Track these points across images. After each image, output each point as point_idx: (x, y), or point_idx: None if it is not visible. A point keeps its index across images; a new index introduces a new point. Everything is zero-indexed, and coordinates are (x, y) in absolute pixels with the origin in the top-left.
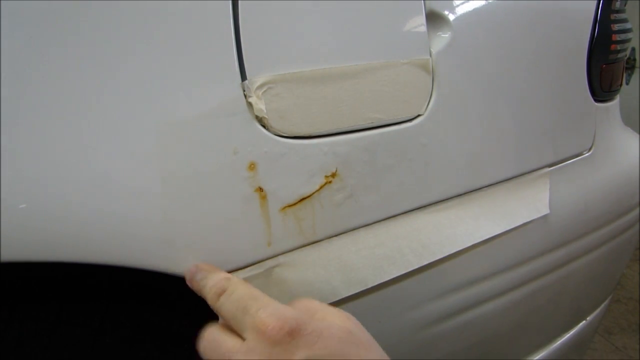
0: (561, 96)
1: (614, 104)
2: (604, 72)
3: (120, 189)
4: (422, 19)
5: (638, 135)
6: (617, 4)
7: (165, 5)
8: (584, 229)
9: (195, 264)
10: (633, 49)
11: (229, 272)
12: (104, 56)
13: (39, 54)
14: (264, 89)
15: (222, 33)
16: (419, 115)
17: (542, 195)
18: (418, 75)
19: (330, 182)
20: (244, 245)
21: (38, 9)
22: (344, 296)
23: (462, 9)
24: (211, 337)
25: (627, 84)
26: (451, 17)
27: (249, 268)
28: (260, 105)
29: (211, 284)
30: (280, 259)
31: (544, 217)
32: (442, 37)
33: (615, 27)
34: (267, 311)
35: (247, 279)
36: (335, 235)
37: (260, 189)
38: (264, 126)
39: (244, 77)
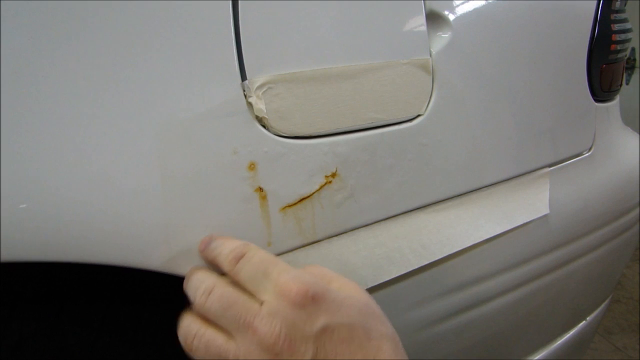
0: (561, 96)
1: (614, 104)
2: (604, 72)
3: (120, 189)
4: (422, 19)
5: (638, 135)
6: (617, 4)
7: (165, 6)
8: (584, 229)
9: (209, 234)
10: (633, 49)
11: None
12: (103, 56)
13: (39, 54)
14: (264, 89)
15: (222, 33)
16: (419, 115)
17: (542, 195)
18: (418, 75)
19: (330, 182)
20: None
21: (38, 9)
22: None
23: (462, 9)
24: (227, 296)
25: (627, 84)
26: (451, 17)
27: None
28: (260, 105)
29: (229, 249)
30: (280, 259)
31: (544, 217)
32: (442, 37)
33: (615, 27)
34: (289, 275)
35: None
36: (335, 235)
37: (260, 189)
38: (264, 126)
39: (244, 77)
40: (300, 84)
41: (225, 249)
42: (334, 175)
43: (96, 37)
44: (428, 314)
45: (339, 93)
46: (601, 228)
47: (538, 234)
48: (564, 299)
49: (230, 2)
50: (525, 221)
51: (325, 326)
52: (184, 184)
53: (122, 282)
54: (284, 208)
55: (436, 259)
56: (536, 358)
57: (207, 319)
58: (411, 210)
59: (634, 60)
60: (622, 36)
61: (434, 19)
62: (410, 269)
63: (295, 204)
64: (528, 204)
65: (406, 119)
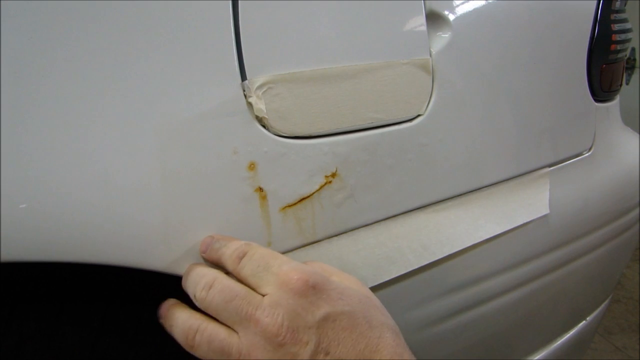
0: (561, 96)
1: (614, 104)
2: (604, 72)
3: (120, 189)
4: (422, 19)
5: (638, 135)
6: (617, 4)
7: (165, 5)
8: (584, 229)
9: (210, 235)
10: (633, 49)
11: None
12: (103, 56)
13: (39, 53)
14: (264, 89)
15: (222, 33)
16: (419, 115)
17: (542, 195)
18: (418, 75)
19: (330, 182)
20: None
21: (38, 9)
22: None
23: (462, 9)
24: (230, 289)
25: (627, 84)
26: (451, 17)
27: None
28: (260, 105)
29: (232, 249)
30: None
31: (544, 217)
32: (442, 37)
33: (615, 27)
34: (290, 266)
35: None
36: (335, 235)
37: (260, 189)
38: (264, 126)
39: (244, 77)
40: (300, 84)
41: (228, 249)
42: (334, 175)
43: (96, 37)
44: (428, 314)
45: (339, 93)
46: (601, 228)
47: (538, 234)
48: (564, 299)
49: (230, 2)
50: (525, 221)
51: (327, 314)
52: (184, 183)
53: (122, 282)
54: (284, 208)
55: (436, 259)
56: (536, 358)
57: (206, 315)
58: (411, 210)
59: (634, 60)
60: (622, 36)
61: (434, 19)
62: (410, 269)
63: (295, 204)
64: (528, 204)
65: (406, 119)
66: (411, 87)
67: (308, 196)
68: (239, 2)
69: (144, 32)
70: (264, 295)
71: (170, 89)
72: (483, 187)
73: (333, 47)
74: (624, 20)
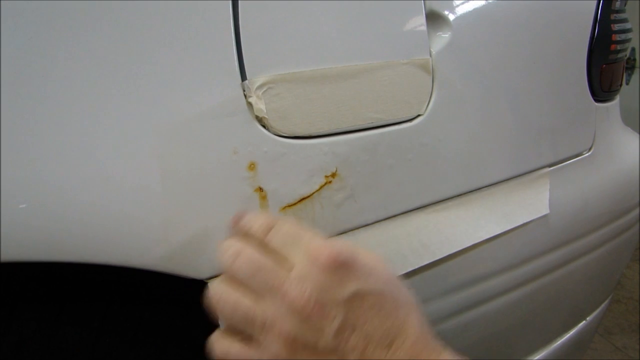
0: (561, 96)
1: (614, 104)
2: (604, 72)
3: (120, 189)
4: (422, 19)
5: (638, 135)
6: (617, 4)
7: (165, 6)
8: (584, 229)
9: (239, 211)
10: (633, 49)
11: None
12: (103, 56)
13: (39, 53)
14: (264, 89)
15: (222, 33)
16: (419, 115)
17: (542, 195)
18: (418, 75)
19: (330, 182)
20: None
21: (38, 9)
22: None
23: (462, 9)
24: (257, 261)
25: (627, 84)
26: (451, 17)
27: None
28: (260, 105)
29: (261, 221)
30: None
31: (544, 217)
32: (442, 37)
33: (615, 27)
34: (318, 242)
35: None
36: (335, 235)
37: (260, 189)
38: (264, 126)
39: (244, 77)
40: (300, 84)
41: (256, 222)
42: (334, 175)
43: (96, 37)
44: (428, 314)
45: (339, 93)
46: (601, 228)
47: (538, 234)
48: (564, 299)
49: (230, 2)
50: (525, 221)
51: (355, 292)
52: (184, 183)
53: (122, 282)
54: (284, 208)
55: (436, 259)
56: (536, 358)
57: (236, 284)
58: (411, 210)
59: (634, 60)
60: (622, 36)
61: (434, 19)
62: (410, 269)
63: (295, 204)
64: (528, 204)
65: (406, 119)
66: (411, 87)
67: (308, 196)
68: (239, 2)
69: (144, 32)
70: (291, 268)
71: (170, 89)
72: (483, 187)
73: (333, 47)
74: (624, 20)
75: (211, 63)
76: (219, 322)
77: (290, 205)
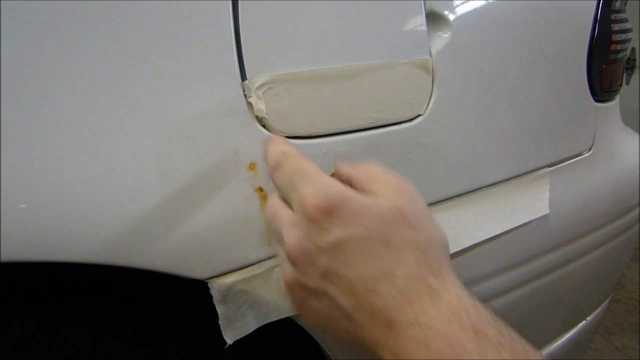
0: (561, 96)
1: (614, 104)
2: (604, 72)
3: (120, 189)
4: (422, 19)
5: (638, 135)
6: (617, 4)
7: (165, 5)
8: (584, 229)
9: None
10: (633, 49)
11: (230, 272)
12: (103, 56)
13: (39, 53)
14: (264, 89)
15: (222, 33)
16: (419, 115)
17: (542, 195)
18: (418, 75)
19: None
20: (243, 245)
21: (38, 9)
22: None
23: (462, 9)
24: (271, 207)
25: (627, 84)
26: (451, 17)
27: (249, 268)
28: (260, 105)
29: (270, 157)
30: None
31: (544, 217)
32: (442, 37)
33: (615, 27)
34: (308, 187)
35: (247, 279)
36: None
37: (260, 189)
38: (264, 126)
39: (244, 77)
40: (300, 84)
41: (268, 154)
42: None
43: (96, 37)
44: None
45: (339, 93)
46: (601, 228)
47: (538, 234)
48: (564, 299)
49: (230, 2)
50: (525, 221)
51: (337, 240)
52: (183, 183)
53: (122, 282)
54: None
55: None
56: None
57: None
58: None
59: (634, 60)
60: (622, 36)
61: (434, 19)
62: None
63: None
64: (528, 204)
65: (406, 119)
66: (411, 87)
67: None
68: (239, 2)
69: (144, 32)
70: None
71: (170, 89)
72: (483, 187)
73: (333, 47)
74: (624, 20)
75: (211, 63)
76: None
77: None
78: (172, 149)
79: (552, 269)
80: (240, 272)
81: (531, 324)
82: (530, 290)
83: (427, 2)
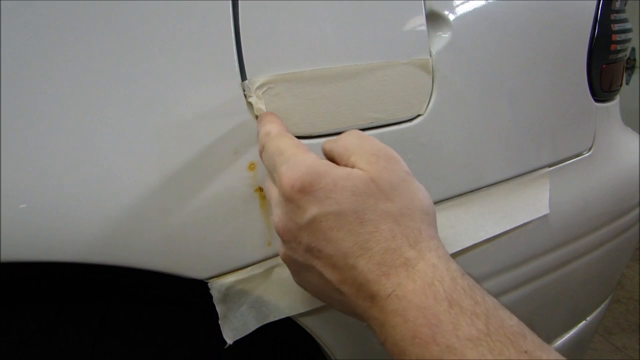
0: (561, 96)
1: (614, 104)
2: (604, 72)
3: (119, 189)
4: (422, 19)
5: (638, 135)
6: (617, 4)
7: (165, 5)
8: (584, 229)
9: (264, 113)
10: (633, 49)
11: (230, 272)
12: (103, 56)
13: (39, 53)
14: (264, 89)
15: (222, 33)
16: (419, 115)
17: (542, 195)
18: (418, 75)
19: None
20: (243, 245)
21: (38, 9)
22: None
23: (462, 9)
24: (265, 188)
25: (627, 84)
26: (451, 17)
27: (249, 268)
28: (260, 105)
29: (260, 137)
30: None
31: (544, 217)
32: (442, 37)
33: (615, 27)
34: (284, 167)
35: (246, 279)
36: None
37: (260, 189)
38: None
39: (244, 77)
40: (300, 84)
41: (259, 135)
42: None
43: (96, 37)
44: None
45: (339, 93)
46: (601, 228)
47: (538, 234)
48: (564, 299)
49: (230, 2)
50: (525, 221)
51: (313, 217)
52: (183, 183)
53: (122, 282)
54: None
55: None
56: None
57: None
58: None
59: (634, 60)
60: (622, 36)
61: (434, 19)
62: None
63: None
64: (528, 204)
65: (406, 119)
66: (411, 87)
67: None
68: (239, 2)
69: (144, 32)
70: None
71: (170, 89)
72: (483, 187)
73: (333, 47)
74: (624, 20)
75: (211, 63)
76: None
77: None
78: (172, 149)
79: (552, 269)
80: (240, 272)
81: (531, 324)
82: (530, 290)
83: (427, 2)
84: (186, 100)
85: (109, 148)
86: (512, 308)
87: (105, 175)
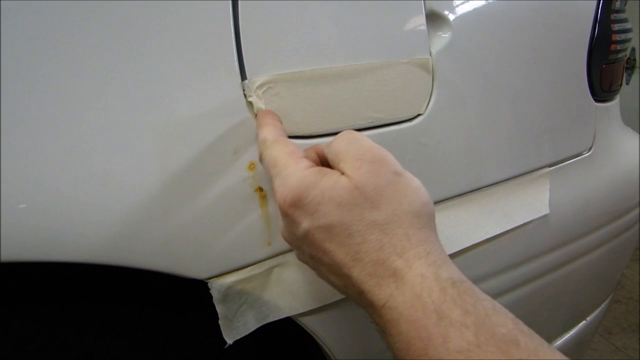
0: (561, 96)
1: (614, 104)
2: (604, 72)
3: (120, 189)
4: (422, 19)
5: (638, 135)
6: (617, 4)
7: (165, 5)
8: (584, 229)
9: (262, 112)
10: (633, 49)
11: (230, 272)
12: (103, 56)
13: (39, 53)
14: (264, 88)
15: (222, 33)
16: (419, 115)
17: (542, 195)
18: (418, 75)
19: None
20: (243, 245)
21: (37, 9)
22: (344, 296)
23: (462, 9)
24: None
25: (627, 84)
26: (451, 17)
27: (248, 268)
28: (260, 105)
29: (258, 144)
30: (280, 258)
31: (544, 217)
32: (442, 37)
33: (615, 27)
34: (277, 181)
35: (246, 279)
36: None
37: (260, 189)
38: None
39: (244, 77)
40: (300, 83)
41: (257, 141)
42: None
43: (96, 37)
44: None
45: (339, 93)
46: (601, 228)
47: (538, 234)
48: (564, 299)
49: (230, 2)
50: (525, 221)
51: (306, 230)
52: (183, 183)
53: (122, 282)
54: None
55: None
56: None
57: None
58: None
59: (634, 60)
60: (622, 36)
61: (434, 19)
62: None
63: None
64: (528, 204)
65: (406, 118)
66: (411, 87)
67: None
68: (239, 2)
69: (144, 32)
70: None
71: (170, 88)
72: (483, 187)
73: (333, 47)
74: (624, 20)
75: (211, 63)
76: None
77: None
78: (172, 148)
79: (552, 269)
80: (240, 272)
81: (531, 324)
82: (530, 290)
83: (427, 2)
84: (186, 100)
85: (109, 148)
86: (512, 308)
87: (105, 174)
